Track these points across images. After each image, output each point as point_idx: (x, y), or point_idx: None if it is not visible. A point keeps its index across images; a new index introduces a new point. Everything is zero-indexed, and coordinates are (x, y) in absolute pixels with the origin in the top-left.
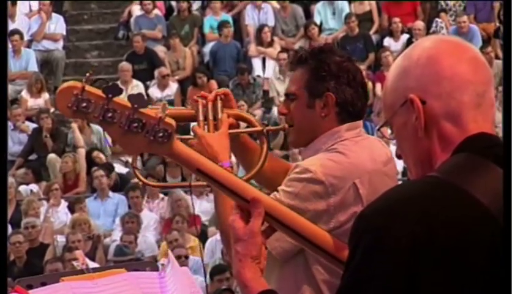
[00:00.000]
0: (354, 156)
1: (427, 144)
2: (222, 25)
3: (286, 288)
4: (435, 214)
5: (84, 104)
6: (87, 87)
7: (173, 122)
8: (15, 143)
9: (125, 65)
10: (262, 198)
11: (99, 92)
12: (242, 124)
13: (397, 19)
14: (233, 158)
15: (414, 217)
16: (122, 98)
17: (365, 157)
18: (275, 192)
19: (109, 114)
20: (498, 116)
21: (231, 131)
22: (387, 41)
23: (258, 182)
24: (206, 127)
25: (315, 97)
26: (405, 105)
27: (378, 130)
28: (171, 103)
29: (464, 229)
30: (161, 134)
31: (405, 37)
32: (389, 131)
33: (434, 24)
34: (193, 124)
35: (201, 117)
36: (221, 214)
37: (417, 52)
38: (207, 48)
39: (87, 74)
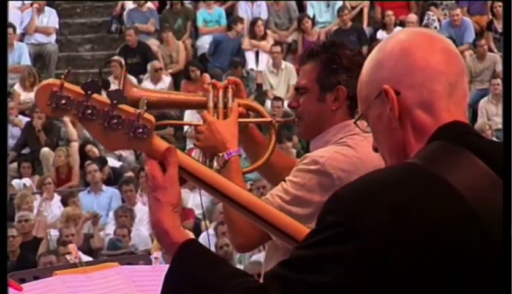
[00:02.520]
0: (363, 151)
1: (402, 135)
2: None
3: None
4: (407, 204)
5: (64, 101)
6: (66, 84)
7: (152, 118)
8: (8, 137)
9: (117, 60)
10: (232, 188)
11: (78, 89)
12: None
13: (390, 12)
14: None
15: (386, 206)
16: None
17: (375, 153)
18: (282, 182)
19: (89, 111)
20: (492, 110)
21: (240, 120)
22: (381, 34)
23: (264, 177)
24: (215, 114)
25: (327, 90)
26: (380, 96)
27: (354, 123)
28: None
29: (437, 218)
30: (140, 130)
31: (398, 29)
32: (365, 124)
33: (426, 17)
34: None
35: (211, 104)
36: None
37: (390, 45)
38: (200, 42)
39: (66, 71)
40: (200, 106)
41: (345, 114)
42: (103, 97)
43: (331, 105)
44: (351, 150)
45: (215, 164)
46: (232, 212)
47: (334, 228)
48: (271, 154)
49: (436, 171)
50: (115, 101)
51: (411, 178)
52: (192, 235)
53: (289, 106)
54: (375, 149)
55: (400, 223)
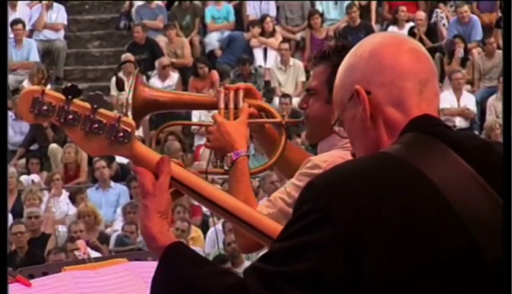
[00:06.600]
0: None
1: (375, 134)
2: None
3: None
4: (381, 191)
5: (45, 107)
6: (47, 90)
7: (132, 122)
8: (17, 133)
9: (128, 57)
10: (224, 198)
11: (59, 94)
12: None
13: (404, 8)
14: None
15: (361, 193)
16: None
17: None
18: (285, 185)
19: (70, 116)
20: (501, 107)
21: (250, 121)
22: (391, 29)
23: (282, 173)
24: (226, 115)
25: None
26: (353, 98)
27: (331, 128)
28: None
29: (409, 204)
30: (121, 134)
31: (409, 25)
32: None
33: (434, 15)
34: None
35: (222, 105)
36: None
37: (361, 48)
38: (208, 38)
39: (47, 75)
40: (211, 107)
41: None
42: (84, 102)
43: None
44: None
45: (224, 164)
46: None
47: (309, 216)
48: (281, 154)
49: (408, 160)
50: (95, 106)
51: (384, 166)
52: (200, 234)
53: (299, 107)
54: (353, 155)
55: (373, 209)
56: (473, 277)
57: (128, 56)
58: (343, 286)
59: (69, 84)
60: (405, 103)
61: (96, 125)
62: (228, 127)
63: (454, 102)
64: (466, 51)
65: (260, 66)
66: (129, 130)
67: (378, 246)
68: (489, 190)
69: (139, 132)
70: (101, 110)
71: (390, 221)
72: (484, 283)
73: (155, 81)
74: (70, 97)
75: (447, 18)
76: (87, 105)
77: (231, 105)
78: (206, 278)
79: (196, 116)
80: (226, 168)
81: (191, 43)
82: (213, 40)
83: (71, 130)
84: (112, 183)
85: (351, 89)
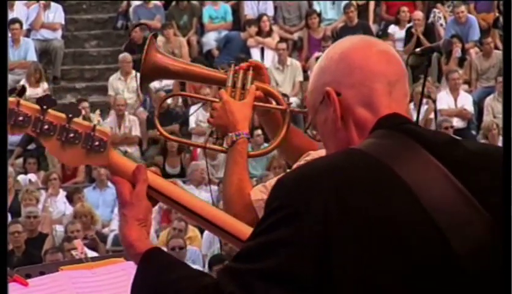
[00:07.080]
0: None
1: (346, 134)
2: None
3: None
4: (351, 188)
5: (21, 118)
6: (22, 101)
7: (108, 131)
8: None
9: (126, 57)
10: (201, 205)
11: (34, 105)
12: None
13: (405, 8)
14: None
15: (330, 189)
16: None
17: None
18: (283, 173)
19: (46, 127)
20: (498, 107)
21: (255, 103)
22: (392, 29)
23: (286, 158)
24: (233, 94)
25: None
26: (324, 101)
27: (305, 132)
28: (169, 92)
29: (381, 203)
30: (97, 143)
31: (408, 25)
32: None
33: (432, 15)
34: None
35: (229, 83)
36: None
37: (332, 52)
38: (206, 38)
39: (21, 87)
40: (219, 83)
41: None
42: (59, 112)
43: None
44: None
45: (224, 143)
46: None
47: (278, 213)
48: (281, 141)
49: (379, 157)
50: (70, 115)
51: (353, 162)
52: (197, 234)
53: (305, 98)
54: None
55: (341, 205)
56: (444, 275)
57: (125, 55)
58: (315, 283)
59: (44, 94)
60: (375, 104)
61: (72, 135)
62: (233, 106)
63: (452, 102)
64: (464, 51)
65: None
66: (104, 138)
67: (347, 243)
68: (459, 187)
69: (136, 132)
70: (76, 119)
71: (360, 218)
72: (455, 282)
73: None
74: (45, 107)
75: (444, 18)
76: (62, 115)
77: (239, 85)
78: (181, 281)
79: (194, 115)
80: (225, 146)
81: (188, 43)
82: (210, 39)
83: (48, 141)
84: (109, 183)
85: (323, 92)
